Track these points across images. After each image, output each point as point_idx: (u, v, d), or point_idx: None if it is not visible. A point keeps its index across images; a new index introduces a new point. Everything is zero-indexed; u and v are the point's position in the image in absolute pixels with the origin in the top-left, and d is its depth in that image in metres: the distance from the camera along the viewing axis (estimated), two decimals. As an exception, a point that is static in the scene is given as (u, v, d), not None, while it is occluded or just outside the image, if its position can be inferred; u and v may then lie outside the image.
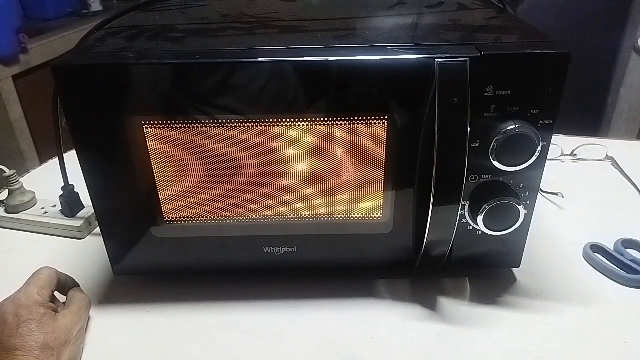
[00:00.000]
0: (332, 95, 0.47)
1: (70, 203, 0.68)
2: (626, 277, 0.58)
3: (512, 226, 0.50)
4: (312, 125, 0.48)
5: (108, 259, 0.55)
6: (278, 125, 0.48)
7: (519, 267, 0.56)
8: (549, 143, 0.47)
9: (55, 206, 0.70)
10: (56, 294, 0.52)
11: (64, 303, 0.52)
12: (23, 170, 0.83)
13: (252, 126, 0.48)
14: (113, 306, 0.57)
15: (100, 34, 0.53)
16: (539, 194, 0.53)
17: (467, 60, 0.44)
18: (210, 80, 0.46)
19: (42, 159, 0.88)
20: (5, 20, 1.48)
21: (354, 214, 0.53)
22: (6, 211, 0.70)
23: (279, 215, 0.53)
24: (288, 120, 0.48)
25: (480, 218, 0.49)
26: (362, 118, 0.47)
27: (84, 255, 0.64)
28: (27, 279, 0.50)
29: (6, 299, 0.48)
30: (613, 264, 0.60)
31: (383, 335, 0.52)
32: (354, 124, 0.48)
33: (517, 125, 0.45)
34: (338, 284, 0.58)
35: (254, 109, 0.47)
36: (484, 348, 0.50)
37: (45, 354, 0.45)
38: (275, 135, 0.49)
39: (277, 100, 0.47)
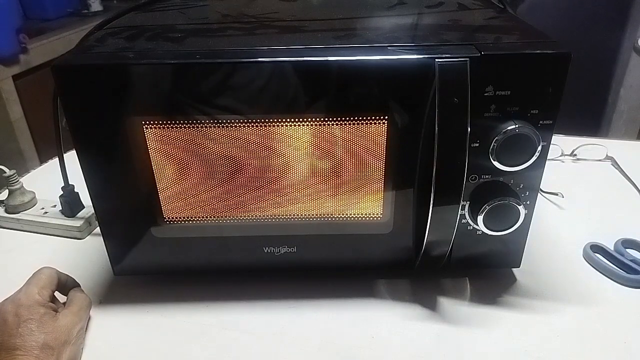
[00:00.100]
0: (332, 95, 0.47)
1: (70, 203, 0.68)
2: (626, 277, 0.58)
3: (512, 226, 0.50)
4: (312, 125, 0.48)
5: (108, 259, 0.55)
6: (278, 125, 0.48)
7: (519, 267, 0.56)
8: (549, 143, 0.47)
9: (55, 206, 0.70)
10: (57, 294, 0.52)
11: (64, 303, 0.52)
12: (23, 170, 0.83)
13: (252, 126, 0.48)
14: (113, 306, 0.57)
15: (100, 34, 0.53)
16: (539, 194, 0.53)
17: (467, 60, 0.44)
18: (210, 80, 0.46)
19: (42, 159, 0.88)
20: (5, 20, 1.49)
21: (354, 214, 0.53)
22: (6, 211, 0.70)
23: (279, 215, 0.53)
24: (288, 120, 0.48)
25: (480, 218, 0.49)
26: (362, 118, 0.47)
27: (84, 255, 0.64)
28: (28, 278, 0.50)
29: (6, 299, 0.48)
30: (613, 264, 0.60)
31: (383, 335, 0.52)
32: (354, 124, 0.48)
33: (517, 125, 0.45)
34: (338, 284, 0.58)
35: (254, 109, 0.47)
36: (484, 348, 0.50)
37: (45, 354, 0.45)
38: (275, 135, 0.49)
39: (277, 100, 0.47)
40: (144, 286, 0.59)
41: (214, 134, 0.48)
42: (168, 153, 0.49)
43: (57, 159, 0.62)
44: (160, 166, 0.50)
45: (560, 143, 0.83)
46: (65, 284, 0.53)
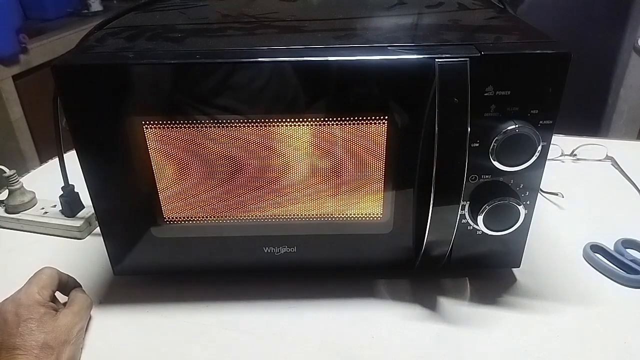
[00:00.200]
0: (332, 95, 0.47)
1: (70, 203, 0.68)
2: (626, 277, 0.58)
3: (512, 226, 0.50)
4: (312, 125, 0.48)
5: (108, 259, 0.55)
6: (278, 125, 0.48)
7: (519, 267, 0.56)
8: (549, 143, 0.47)
9: (55, 206, 0.70)
10: (58, 294, 0.52)
11: (64, 303, 0.52)
12: (23, 170, 0.83)
13: (252, 126, 0.48)
14: (113, 306, 0.57)
15: (100, 34, 0.53)
16: (539, 194, 0.53)
17: (467, 60, 0.44)
18: (210, 80, 0.46)
19: (42, 159, 0.88)
20: (5, 20, 1.49)
21: (354, 214, 0.53)
22: (6, 211, 0.70)
23: (279, 215, 0.53)
24: (288, 120, 0.48)
25: (480, 218, 0.49)
26: (362, 118, 0.47)
27: (84, 255, 0.64)
28: (29, 278, 0.50)
29: (7, 299, 0.48)
30: (613, 264, 0.60)
31: (383, 335, 0.52)
32: (354, 124, 0.48)
33: (517, 125, 0.45)
34: (338, 284, 0.58)
35: (254, 109, 0.47)
36: (484, 348, 0.50)
37: (45, 353, 0.45)
38: (275, 135, 0.49)
39: (277, 100, 0.47)
40: (144, 286, 0.59)
41: (214, 134, 0.48)
42: (168, 153, 0.49)
43: (57, 159, 0.62)
44: (160, 166, 0.50)
45: (560, 143, 0.83)
46: (67, 284, 0.53)
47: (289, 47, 0.47)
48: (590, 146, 0.84)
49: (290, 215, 0.53)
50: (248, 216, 0.53)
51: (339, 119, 0.47)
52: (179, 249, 0.55)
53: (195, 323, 0.54)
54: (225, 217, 0.53)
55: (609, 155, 0.83)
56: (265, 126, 0.48)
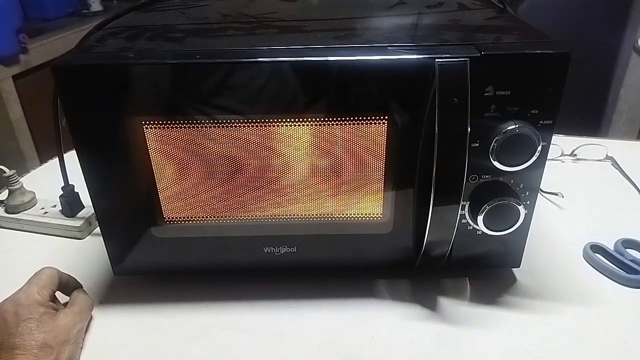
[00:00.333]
0: (332, 95, 0.47)
1: (70, 203, 0.68)
2: (626, 277, 0.58)
3: (512, 226, 0.50)
4: (312, 125, 0.48)
5: (108, 259, 0.55)
6: (278, 125, 0.48)
7: (519, 267, 0.56)
8: (549, 143, 0.47)
9: (55, 206, 0.70)
10: (58, 294, 0.52)
11: (65, 304, 0.52)
12: (23, 170, 0.83)
13: (252, 126, 0.48)
14: (113, 306, 0.57)
15: (100, 34, 0.53)
16: (539, 194, 0.53)
17: (467, 60, 0.44)
18: (210, 80, 0.46)
19: (42, 159, 0.88)
20: (5, 20, 1.49)
21: (354, 214, 0.53)
22: (6, 211, 0.70)
23: (279, 215, 0.53)
24: (288, 120, 0.48)
25: (480, 218, 0.49)
26: (362, 118, 0.47)
27: (84, 255, 0.64)
28: (29, 278, 0.50)
29: (6, 298, 0.48)
30: (613, 264, 0.60)
31: (383, 335, 0.52)
32: (354, 124, 0.48)
33: (517, 125, 0.45)
34: (338, 284, 0.58)
35: (254, 109, 0.47)
36: (484, 348, 0.50)
37: (44, 353, 0.45)
38: (275, 135, 0.49)
39: (277, 100, 0.47)
40: (144, 286, 0.59)
41: (214, 134, 0.48)
42: (168, 153, 0.49)
43: (57, 159, 0.62)
44: (160, 166, 0.50)
45: (560, 143, 0.83)
46: (67, 284, 0.53)
47: (289, 47, 0.47)
48: (590, 146, 0.84)
49: (290, 215, 0.53)
50: (248, 216, 0.53)
51: (339, 119, 0.47)
52: (179, 249, 0.55)
53: (195, 323, 0.54)
54: (225, 217, 0.53)
55: (609, 155, 0.83)
56: (265, 126, 0.48)
